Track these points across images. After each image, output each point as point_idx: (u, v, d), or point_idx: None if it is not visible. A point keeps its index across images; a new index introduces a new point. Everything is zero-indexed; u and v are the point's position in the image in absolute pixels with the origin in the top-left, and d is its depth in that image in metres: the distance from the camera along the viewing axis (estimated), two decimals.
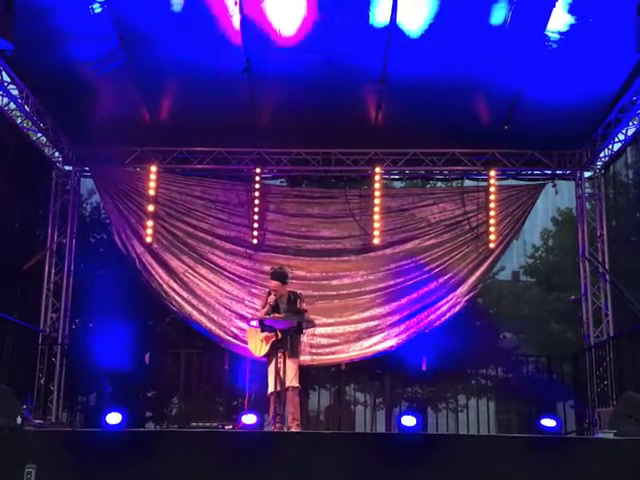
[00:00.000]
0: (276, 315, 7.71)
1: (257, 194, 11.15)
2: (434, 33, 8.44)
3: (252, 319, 7.72)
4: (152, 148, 11.17)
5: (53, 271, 11.09)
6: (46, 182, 11.12)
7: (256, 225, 11.11)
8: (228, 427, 7.54)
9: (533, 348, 17.07)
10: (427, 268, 11.07)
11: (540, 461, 5.37)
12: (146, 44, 8.71)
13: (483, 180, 11.34)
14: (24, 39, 7.26)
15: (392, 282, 11.07)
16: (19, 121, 10.28)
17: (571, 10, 8.09)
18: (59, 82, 9.19)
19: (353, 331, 10.96)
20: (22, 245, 10.25)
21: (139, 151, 11.18)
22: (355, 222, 11.21)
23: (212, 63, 8.98)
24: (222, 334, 10.90)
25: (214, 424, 7.91)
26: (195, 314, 10.99)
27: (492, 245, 11.07)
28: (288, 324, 7.48)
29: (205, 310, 10.99)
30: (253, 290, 10.86)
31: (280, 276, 8.01)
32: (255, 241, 11.11)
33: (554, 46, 8.60)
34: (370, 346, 10.93)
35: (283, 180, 13.32)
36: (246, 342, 8.48)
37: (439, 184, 13.02)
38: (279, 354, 7.43)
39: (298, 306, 7.82)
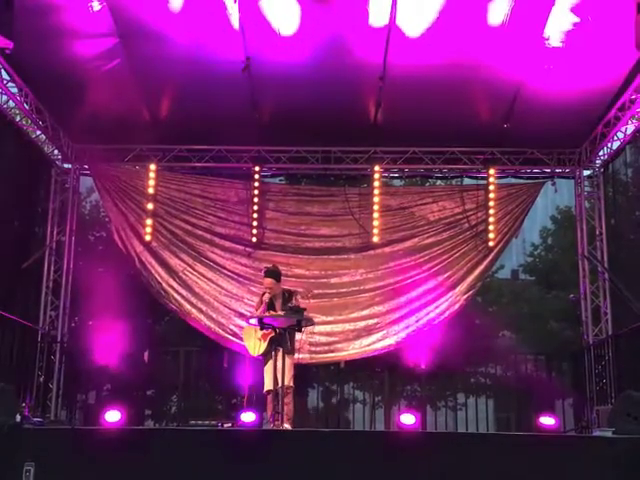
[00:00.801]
0: (272, 313, 7.70)
1: (256, 192, 11.15)
2: (434, 31, 8.43)
3: (251, 317, 7.71)
4: (151, 146, 11.16)
5: (52, 269, 11.08)
6: (45, 180, 11.11)
7: (255, 223, 11.11)
8: (227, 425, 7.53)
9: (532, 346, 17.05)
10: (426, 266, 11.08)
11: (539, 459, 5.37)
12: (146, 42, 8.70)
13: (482, 178, 11.34)
14: (24, 37, 7.27)
15: (391, 280, 11.07)
16: (18, 119, 10.27)
17: (571, 9, 8.09)
18: (58, 80, 9.18)
19: (352, 329, 10.97)
20: (21, 243, 10.24)
21: (138, 149, 11.18)
22: (354, 220, 11.21)
23: (211, 61, 8.98)
24: (221, 332, 10.91)
25: (213, 422, 7.92)
26: (194, 312, 11.00)
27: (491, 243, 11.07)
28: (287, 322, 7.48)
29: (204, 308, 10.99)
30: (252, 288, 10.84)
31: (274, 274, 8.02)
32: (254, 239, 11.11)
33: (554, 44, 8.60)
34: (369, 344, 10.93)
35: (282, 178, 13.31)
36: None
37: (438, 182, 13.00)
38: (276, 353, 7.41)
39: (294, 303, 7.81)
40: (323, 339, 10.82)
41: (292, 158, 11.32)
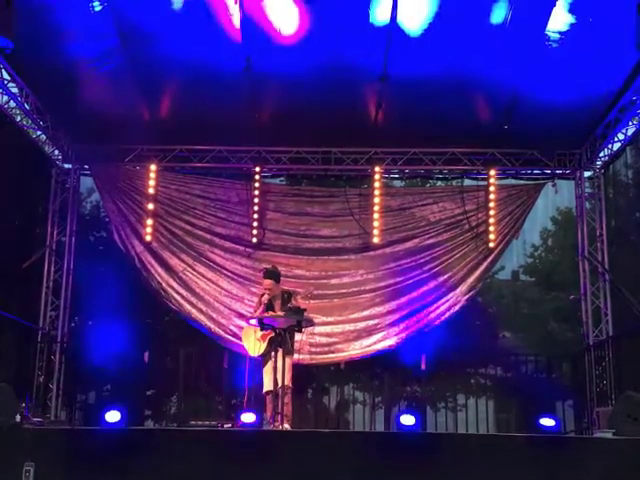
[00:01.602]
0: (271, 313, 7.70)
1: (257, 193, 11.15)
2: (434, 32, 8.44)
3: (251, 317, 7.70)
4: (152, 146, 11.17)
5: (52, 269, 11.09)
6: (46, 180, 11.12)
7: (255, 224, 11.12)
8: (227, 426, 7.53)
9: (532, 347, 17.05)
10: (427, 267, 11.08)
11: (539, 460, 5.36)
12: (146, 42, 8.71)
13: (483, 179, 11.33)
14: (24, 37, 7.27)
15: (392, 281, 11.07)
16: (19, 119, 10.29)
17: (571, 9, 8.10)
18: (59, 80, 9.18)
19: (353, 330, 10.97)
20: (22, 243, 10.24)
21: (139, 149, 11.19)
22: (355, 221, 11.21)
23: (212, 61, 8.98)
24: (221, 332, 10.91)
25: (213, 423, 7.90)
26: (194, 312, 11.00)
27: (492, 244, 11.07)
28: (287, 322, 7.47)
29: (204, 308, 10.99)
30: (252, 289, 10.83)
31: (273, 275, 8.01)
32: (254, 240, 11.12)
33: (554, 45, 8.61)
34: (369, 345, 10.93)
35: (283, 179, 13.30)
36: None
37: (439, 183, 12.99)
38: (275, 354, 7.40)
39: (293, 304, 7.80)
40: (323, 340, 10.81)
41: (292, 159, 11.33)
